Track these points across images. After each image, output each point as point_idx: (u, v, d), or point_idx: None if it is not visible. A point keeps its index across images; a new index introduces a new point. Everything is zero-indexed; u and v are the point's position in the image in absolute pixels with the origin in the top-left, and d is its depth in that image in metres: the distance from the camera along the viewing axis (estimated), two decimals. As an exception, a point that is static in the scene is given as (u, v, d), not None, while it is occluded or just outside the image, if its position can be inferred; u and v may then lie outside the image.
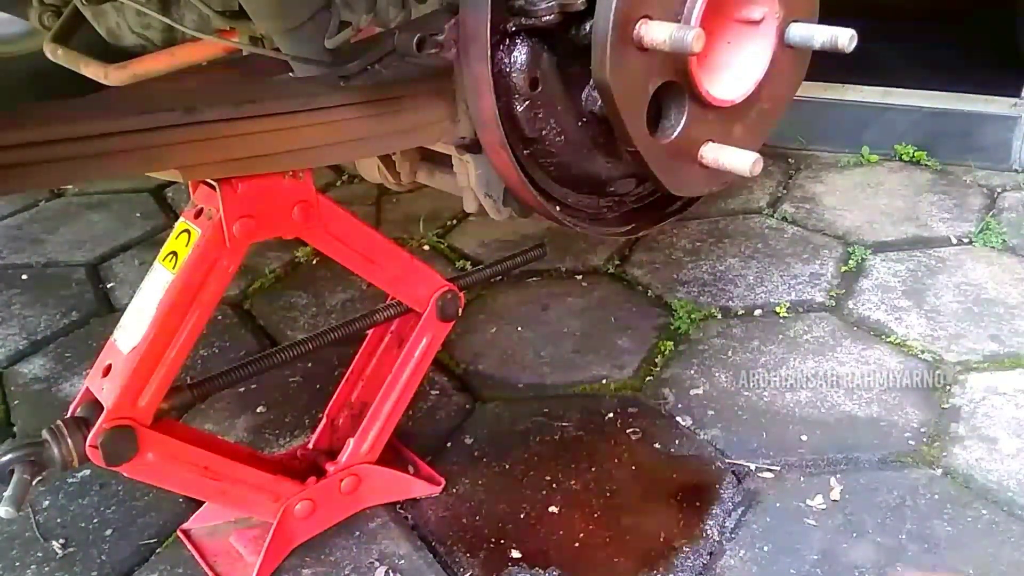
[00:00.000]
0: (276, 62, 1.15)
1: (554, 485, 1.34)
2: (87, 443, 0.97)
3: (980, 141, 2.38)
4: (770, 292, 1.85)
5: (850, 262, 1.94)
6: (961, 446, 1.40)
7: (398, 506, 1.30)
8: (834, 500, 1.29)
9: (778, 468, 1.36)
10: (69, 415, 1.00)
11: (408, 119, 1.09)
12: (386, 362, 1.28)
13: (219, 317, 1.81)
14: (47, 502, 1.34)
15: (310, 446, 1.30)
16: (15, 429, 1.52)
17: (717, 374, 1.60)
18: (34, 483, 0.95)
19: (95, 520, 1.30)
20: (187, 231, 1.00)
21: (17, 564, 1.23)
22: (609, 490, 1.33)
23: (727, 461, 1.38)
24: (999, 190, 2.25)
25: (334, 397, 1.30)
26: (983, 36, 2.99)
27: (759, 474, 1.35)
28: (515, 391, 1.58)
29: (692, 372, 1.61)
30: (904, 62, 2.77)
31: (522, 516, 1.28)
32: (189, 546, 1.22)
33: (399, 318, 1.25)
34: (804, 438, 1.42)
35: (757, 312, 1.79)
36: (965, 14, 3.12)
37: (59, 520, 1.31)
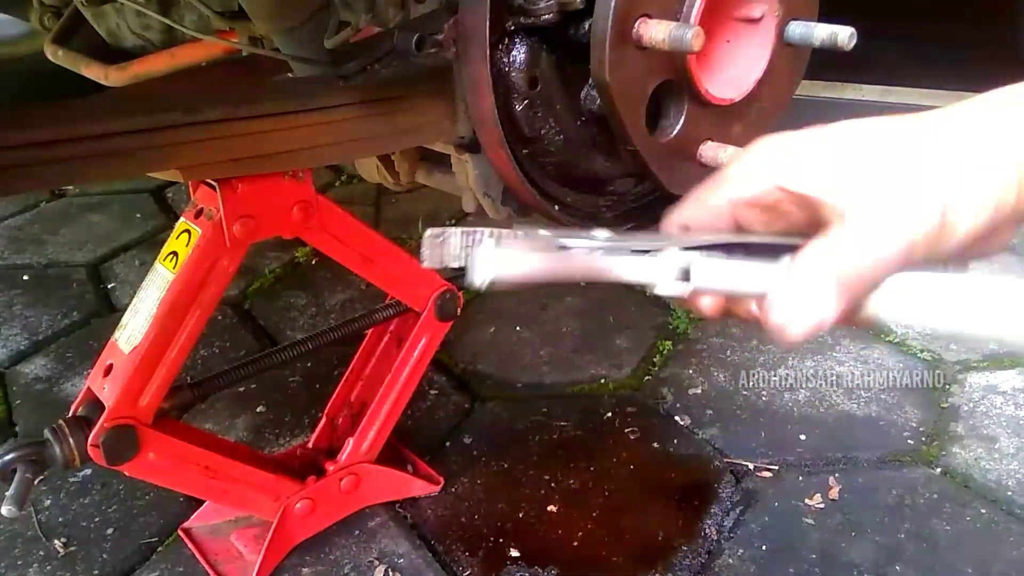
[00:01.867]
0: (276, 62, 1.15)
1: (553, 484, 1.34)
2: (88, 442, 0.97)
3: (979, 139, 2.38)
4: (769, 291, 1.85)
5: (849, 261, 1.94)
6: (960, 445, 1.40)
7: (397, 505, 1.31)
8: (833, 499, 1.29)
9: (776, 467, 1.37)
10: (70, 414, 1.01)
11: (407, 119, 1.10)
12: (385, 362, 1.28)
13: (219, 317, 1.82)
14: (49, 501, 1.34)
15: (310, 445, 1.31)
16: (17, 429, 1.53)
17: (716, 373, 1.60)
18: (36, 482, 0.95)
19: (96, 519, 1.31)
20: (187, 231, 1.01)
21: (19, 563, 1.23)
22: (608, 489, 1.33)
23: (725, 460, 1.39)
24: (998, 189, 2.26)
25: (333, 397, 1.30)
26: (983, 33, 2.99)
27: (758, 473, 1.36)
28: (514, 390, 1.59)
29: (691, 371, 1.61)
30: (903, 60, 2.77)
31: (521, 515, 1.29)
32: (190, 545, 1.23)
33: (398, 318, 1.26)
34: (803, 437, 1.43)
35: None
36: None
37: (61, 519, 1.31)
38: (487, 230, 0.47)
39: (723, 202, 0.49)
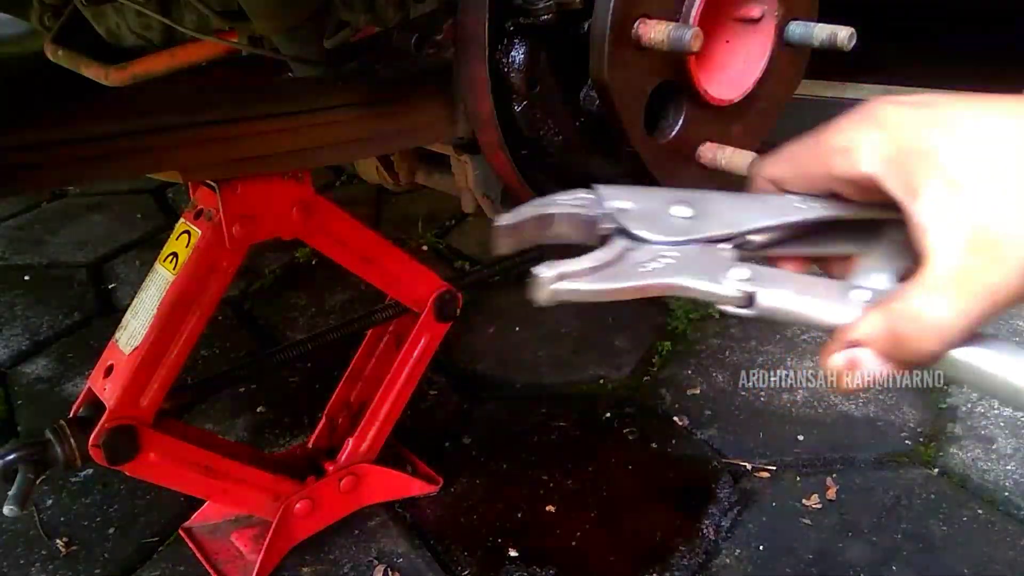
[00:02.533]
0: (275, 63, 1.15)
1: (551, 484, 1.35)
2: (89, 443, 0.97)
3: (980, 139, 2.37)
4: (768, 292, 1.85)
5: (848, 262, 1.94)
6: (958, 446, 1.40)
7: (396, 505, 1.31)
8: (830, 500, 1.30)
9: (774, 468, 1.37)
10: (72, 415, 1.01)
11: (406, 119, 1.10)
12: (385, 362, 1.28)
13: (219, 317, 1.82)
14: (50, 501, 1.35)
15: (309, 446, 1.31)
16: (18, 429, 1.53)
17: (714, 374, 1.60)
18: (38, 482, 0.96)
19: (98, 519, 1.31)
20: (187, 232, 1.01)
21: (21, 562, 1.23)
22: (606, 489, 1.33)
23: (724, 461, 1.39)
24: (997, 190, 2.26)
25: (333, 397, 1.30)
26: (984, 32, 2.99)
27: (755, 474, 1.36)
28: (513, 391, 1.59)
29: (689, 372, 1.61)
30: (904, 59, 2.77)
31: (519, 515, 1.29)
32: (191, 544, 1.23)
33: (397, 319, 1.26)
34: (800, 438, 1.43)
35: (755, 312, 1.79)
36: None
37: (62, 519, 1.31)
38: (559, 208, 0.48)
39: (820, 173, 0.47)
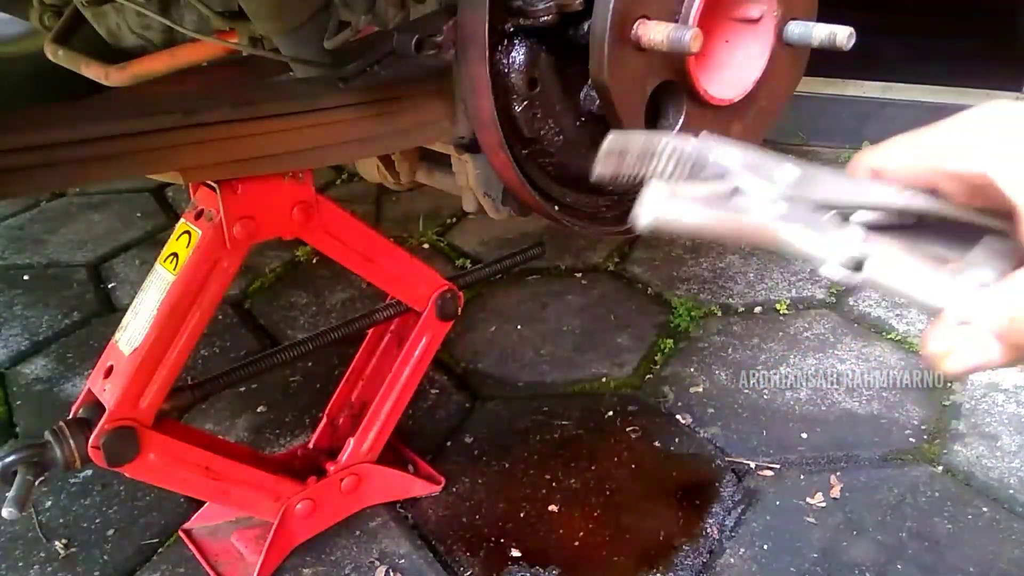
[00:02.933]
0: (276, 63, 1.15)
1: (554, 484, 1.34)
2: (89, 444, 0.97)
3: (981, 136, 2.37)
4: (770, 289, 1.85)
5: (850, 259, 1.94)
6: (962, 443, 1.40)
7: (398, 505, 1.31)
8: (834, 498, 1.29)
9: (778, 466, 1.37)
10: (71, 416, 1.01)
11: (407, 119, 1.09)
12: (386, 361, 1.28)
13: (220, 317, 1.82)
14: (49, 503, 1.34)
15: (310, 446, 1.31)
16: (17, 430, 1.53)
17: (717, 372, 1.60)
18: (37, 484, 0.95)
19: (97, 520, 1.31)
20: (188, 232, 1.01)
21: (20, 564, 1.23)
22: (609, 488, 1.33)
23: (727, 459, 1.39)
24: (999, 186, 2.25)
25: (334, 397, 1.30)
26: (984, 30, 2.98)
27: (759, 472, 1.36)
28: (515, 390, 1.59)
29: (692, 370, 1.61)
30: (904, 56, 2.76)
31: (522, 515, 1.29)
32: (191, 546, 1.23)
33: (399, 317, 1.26)
34: (804, 436, 1.43)
35: (757, 309, 1.79)
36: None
37: (61, 520, 1.31)
38: (668, 144, 0.47)
39: (925, 166, 0.45)
